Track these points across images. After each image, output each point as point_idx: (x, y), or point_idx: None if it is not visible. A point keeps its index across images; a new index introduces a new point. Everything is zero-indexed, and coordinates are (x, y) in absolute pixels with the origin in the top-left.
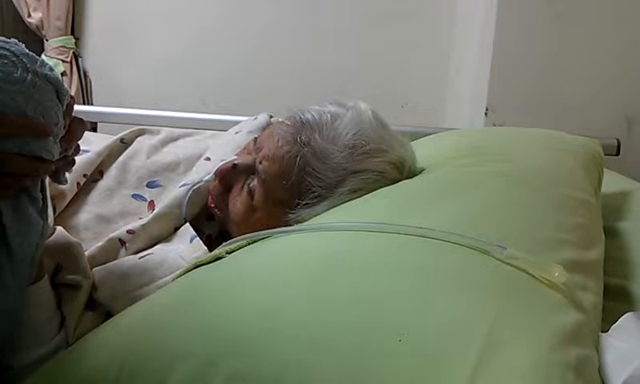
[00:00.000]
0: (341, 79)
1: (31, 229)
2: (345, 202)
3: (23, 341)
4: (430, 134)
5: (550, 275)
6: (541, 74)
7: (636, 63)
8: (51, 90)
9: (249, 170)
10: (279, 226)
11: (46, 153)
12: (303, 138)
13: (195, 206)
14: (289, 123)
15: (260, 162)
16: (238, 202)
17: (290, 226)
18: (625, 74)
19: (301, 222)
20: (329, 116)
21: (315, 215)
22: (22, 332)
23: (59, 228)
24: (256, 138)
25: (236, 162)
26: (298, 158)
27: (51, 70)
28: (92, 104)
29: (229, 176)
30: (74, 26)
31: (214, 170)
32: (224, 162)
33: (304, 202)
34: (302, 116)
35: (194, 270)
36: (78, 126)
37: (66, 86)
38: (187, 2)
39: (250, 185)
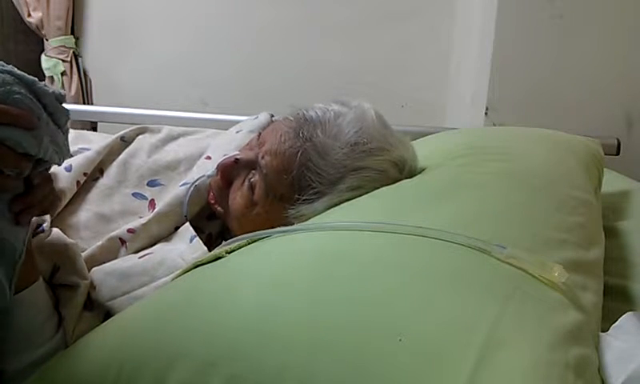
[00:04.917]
0: (341, 79)
1: (18, 226)
2: (345, 199)
3: (20, 342)
4: (430, 134)
5: (550, 275)
6: (541, 74)
7: (636, 63)
8: (19, 83)
9: (250, 165)
10: (279, 222)
11: (30, 147)
12: (305, 133)
13: (196, 205)
14: (292, 119)
15: (262, 157)
16: (238, 197)
17: (290, 221)
18: (625, 74)
19: (300, 219)
20: (332, 113)
21: (315, 212)
22: (19, 334)
23: (55, 229)
24: (259, 134)
25: (238, 156)
26: (300, 153)
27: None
28: (92, 104)
29: (230, 170)
30: (74, 26)
31: (216, 165)
32: (226, 156)
33: (304, 198)
34: (305, 113)
35: (194, 270)
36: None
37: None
38: (187, 2)
39: (252, 180)
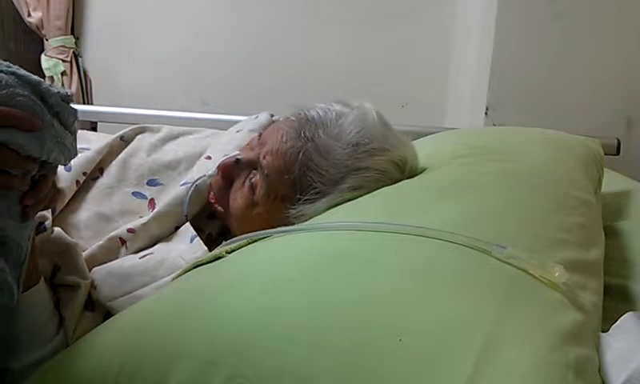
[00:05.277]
0: (341, 79)
1: (25, 223)
2: (346, 199)
3: (22, 343)
4: (430, 134)
5: (551, 275)
6: (541, 74)
7: (636, 63)
8: (22, 85)
9: (251, 165)
10: (279, 222)
11: (33, 150)
12: (307, 133)
13: (196, 205)
14: (294, 119)
15: (264, 157)
16: (238, 197)
17: (291, 221)
18: (625, 74)
19: (301, 219)
20: (334, 114)
21: (316, 212)
22: (20, 334)
23: (57, 229)
24: (260, 134)
25: (239, 156)
26: (301, 153)
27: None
28: (92, 104)
29: (231, 170)
30: (74, 26)
31: (217, 165)
32: (226, 156)
33: (305, 198)
34: (307, 113)
35: (194, 270)
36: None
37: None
38: (187, 1)
39: (252, 180)
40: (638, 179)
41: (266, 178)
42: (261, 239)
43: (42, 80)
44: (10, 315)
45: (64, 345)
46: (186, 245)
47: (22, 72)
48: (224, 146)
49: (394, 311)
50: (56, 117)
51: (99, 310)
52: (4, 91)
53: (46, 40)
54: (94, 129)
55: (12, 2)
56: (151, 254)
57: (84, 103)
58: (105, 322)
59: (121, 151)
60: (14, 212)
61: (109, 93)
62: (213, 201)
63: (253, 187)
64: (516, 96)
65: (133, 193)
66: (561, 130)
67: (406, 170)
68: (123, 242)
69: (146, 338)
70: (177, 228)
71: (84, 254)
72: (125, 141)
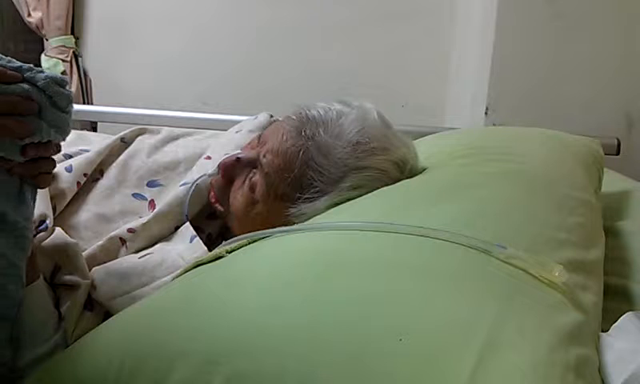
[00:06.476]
0: (341, 79)
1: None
2: (346, 198)
3: (21, 341)
4: (430, 134)
5: (551, 275)
6: (541, 74)
7: (636, 63)
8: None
9: (252, 164)
10: (280, 221)
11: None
12: (308, 132)
13: (196, 205)
14: (294, 118)
15: (264, 156)
16: (239, 195)
17: (291, 221)
18: (625, 74)
19: (301, 218)
20: (334, 113)
21: (316, 211)
22: (19, 333)
23: (57, 229)
24: (260, 134)
25: (239, 155)
26: (301, 152)
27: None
28: (92, 104)
29: (231, 169)
30: (74, 26)
31: (217, 164)
32: (227, 155)
33: (305, 196)
34: (307, 112)
35: (194, 270)
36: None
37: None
38: (187, 1)
39: (253, 178)
40: (638, 179)
41: (267, 176)
42: (261, 239)
43: (31, 66)
44: (10, 311)
45: (63, 344)
46: (186, 245)
47: (12, 64)
48: (224, 146)
49: (394, 311)
50: (49, 99)
51: (99, 309)
52: None
53: (46, 40)
54: (94, 129)
55: (12, 2)
56: (151, 254)
57: (84, 103)
58: (105, 321)
59: (121, 153)
60: (12, 195)
61: (109, 93)
62: (213, 200)
63: (253, 186)
64: (516, 96)
65: (133, 194)
66: (561, 130)
67: (406, 170)
68: (123, 241)
69: (147, 336)
70: (177, 228)
71: (84, 254)
72: (125, 142)
